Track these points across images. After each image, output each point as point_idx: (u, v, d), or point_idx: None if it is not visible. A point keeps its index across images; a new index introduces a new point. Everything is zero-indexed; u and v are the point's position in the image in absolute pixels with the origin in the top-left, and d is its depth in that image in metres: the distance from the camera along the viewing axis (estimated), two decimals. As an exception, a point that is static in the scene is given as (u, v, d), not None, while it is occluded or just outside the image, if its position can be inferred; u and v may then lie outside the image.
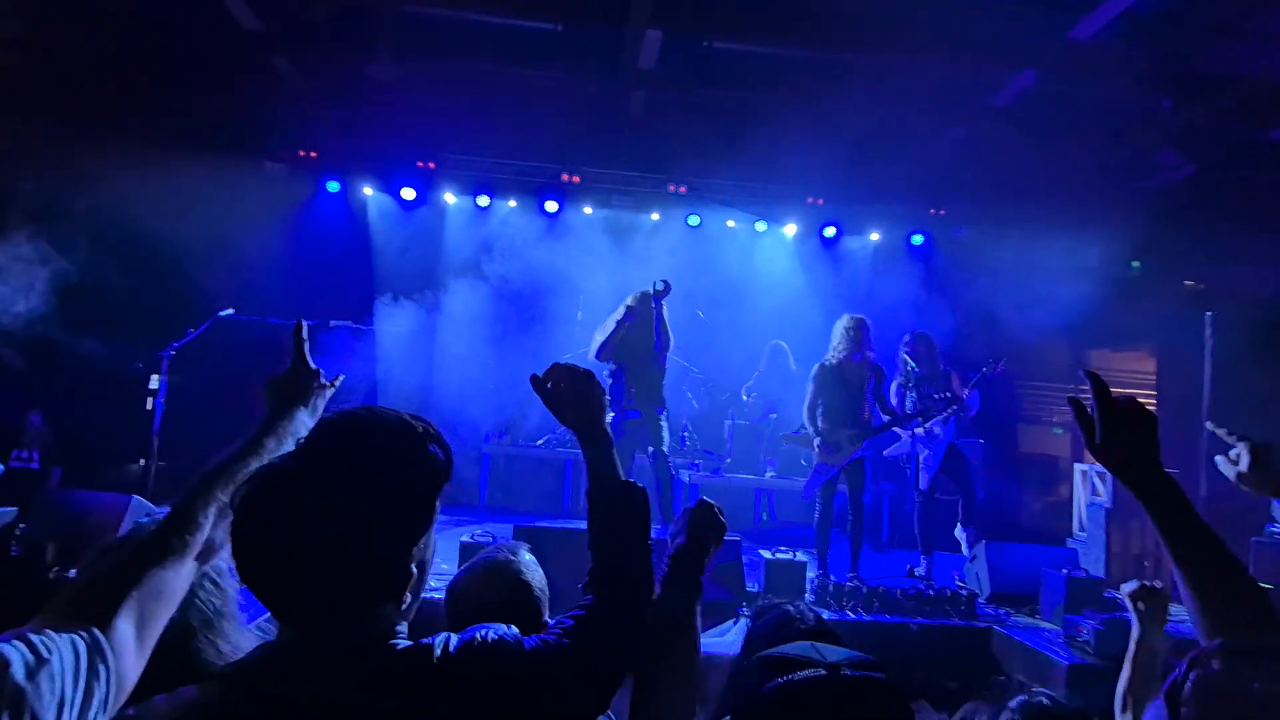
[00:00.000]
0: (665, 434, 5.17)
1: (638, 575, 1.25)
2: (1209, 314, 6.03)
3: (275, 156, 7.61)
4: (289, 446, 1.28)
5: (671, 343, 5.35)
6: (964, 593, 4.54)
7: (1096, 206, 8.43)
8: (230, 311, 5.86)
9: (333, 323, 6.53)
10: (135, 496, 4.55)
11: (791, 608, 1.75)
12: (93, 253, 6.03)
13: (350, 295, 7.09)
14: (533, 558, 1.78)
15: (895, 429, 5.25)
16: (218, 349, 6.15)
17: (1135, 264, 9.42)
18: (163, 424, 5.45)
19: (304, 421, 1.38)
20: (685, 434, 7.69)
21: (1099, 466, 6.04)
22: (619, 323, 5.07)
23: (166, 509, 1.20)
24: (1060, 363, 10.10)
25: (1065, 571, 4.48)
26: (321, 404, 1.45)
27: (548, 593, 1.71)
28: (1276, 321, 6.29)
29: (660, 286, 5.04)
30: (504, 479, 7.38)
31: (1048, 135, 7.94)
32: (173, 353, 5.49)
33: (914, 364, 5.33)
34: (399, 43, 7.02)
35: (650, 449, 5.10)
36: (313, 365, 1.48)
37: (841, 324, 5.12)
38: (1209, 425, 1.54)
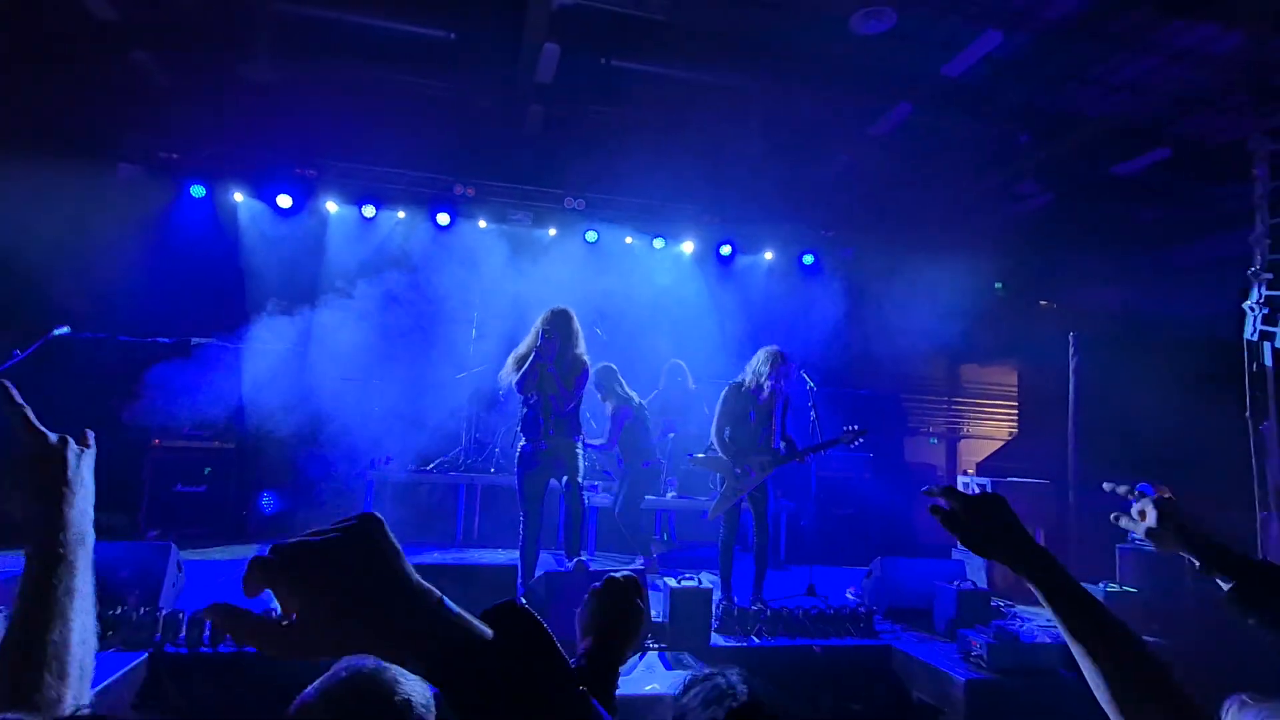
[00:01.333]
0: (580, 463, 4.86)
1: None
2: (1072, 334, 6.53)
3: (131, 158, 6.89)
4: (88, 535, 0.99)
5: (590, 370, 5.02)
6: (862, 610, 4.62)
7: (965, 231, 9.07)
8: (66, 330, 5.16)
9: (195, 340, 5.98)
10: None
11: (723, 680, 1.63)
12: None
13: (218, 309, 6.51)
14: None
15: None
16: (53, 374, 5.43)
17: (998, 285, 10.19)
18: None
19: (86, 488, 1.05)
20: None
21: (980, 477, 6.41)
22: (537, 353, 4.70)
23: None
24: (937, 376, 10.76)
25: (955, 585, 4.66)
26: (89, 467, 1.08)
27: (434, 711, 1.25)
28: (1129, 337, 6.91)
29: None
30: (389, 507, 6.95)
31: (922, 164, 8.46)
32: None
33: (814, 384, 5.43)
34: (276, 42, 6.57)
35: (564, 478, 4.80)
36: (49, 435, 1.07)
37: (765, 353, 5.07)
38: (1106, 486, 1.59)
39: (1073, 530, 6.09)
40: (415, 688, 1.28)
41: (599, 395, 6.36)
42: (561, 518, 5.24)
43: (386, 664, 1.26)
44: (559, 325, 4.82)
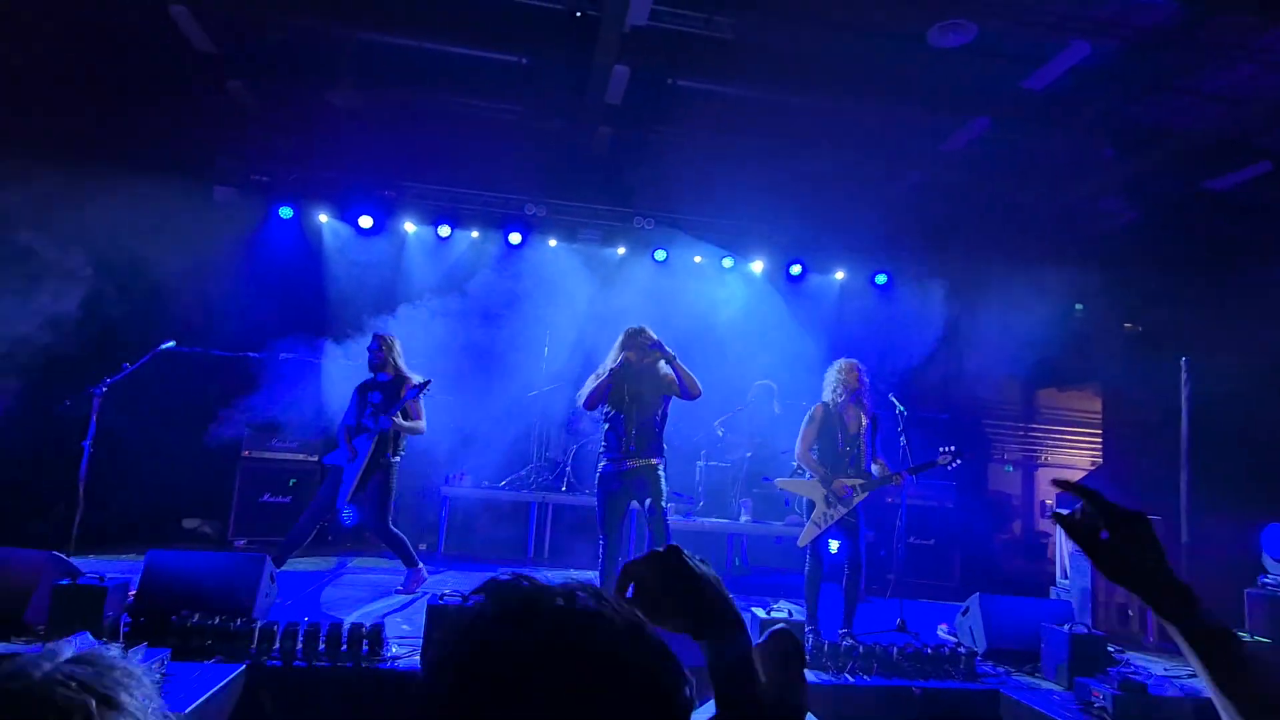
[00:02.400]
0: (664, 485, 4.67)
1: None
2: (1184, 359, 6.14)
3: (226, 181, 7.21)
4: None
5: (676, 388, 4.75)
6: (962, 650, 4.31)
7: (1044, 250, 8.74)
8: (172, 344, 5.42)
9: (283, 355, 6.18)
10: (54, 554, 4.06)
11: None
12: (25, 279, 5.54)
13: (303, 325, 6.71)
14: None
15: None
16: (157, 385, 5.67)
17: (1079, 306, 9.78)
18: (91, 469, 4.93)
19: None
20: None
21: (1065, 508, 6.07)
22: (612, 372, 4.63)
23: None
24: (1012, 401, 10.35)
25: (1067, 628, 4.32)
26: None
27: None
28: (1226, 361, 6.50)
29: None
30: (463, 523, 7.00)
31: (999, 180, 8.22)
32: (104, 389, 5.01)
33: (903, 408, 5.25)
34: (360, 70, 6.82)
35: (647, 501, 4.61)
36: None
37: (839, 367, 4.92)
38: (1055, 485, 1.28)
39: (1185, 571, 5.71)
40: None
41: None
42: (647, 542, 5.08)
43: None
44: (636, 342, 4.71)
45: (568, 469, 7.19)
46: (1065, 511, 1.08)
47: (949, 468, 4.85)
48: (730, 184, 7.78)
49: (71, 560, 4.15)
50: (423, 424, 5.50)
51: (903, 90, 6.86)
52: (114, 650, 0.96)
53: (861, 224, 8.40)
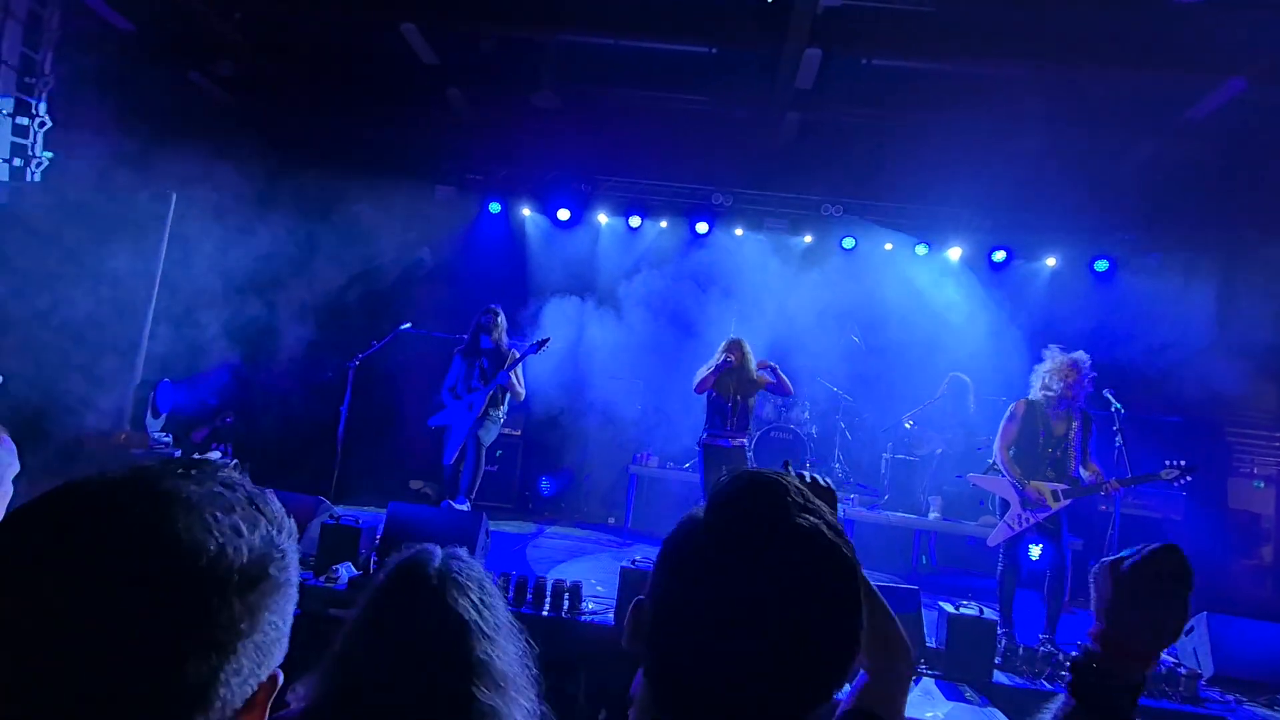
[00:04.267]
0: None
1: None
2: None
3: (446, 181, 8.08)
4: None
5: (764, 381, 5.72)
6: (1182, 671, 3.93)
7: (1315, 231, 7.43)
8: (409, 326, 6.25)
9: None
10: (323, 499, 4.85)
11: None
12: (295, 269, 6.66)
13: (510, 310, 7.38)
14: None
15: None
16: (393, 361, 6.56)
17: (1362, 296, 8.21)
18: (346, 430, 5.83)
19: None
20: (836, 464, 7.37)
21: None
22: (718, 367, 5.56)
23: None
24: (1268, 409, 8.92)
25: (1316, 659, 3.81)
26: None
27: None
28: None
29: None
30: (648, 500, 7.34)
31: (1255, 151, 7.09)
32: (358, 363, 5.88)
33: (1119, 406, 4.75)
34: (559, 72, 7.29)
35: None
36: None
37: (1057, 360, 4.55)
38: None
39: None
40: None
41: None
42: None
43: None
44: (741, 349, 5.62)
45: (749, 455, 7.27)
46: None
47: (1175, 484, 4.33)
48: (927, 167, 7.38)
49: (334, 506, 4.95)
50: (523, 389, 5.97)
51: (1136, 53, 6.14)
52: (464, 552, 1.30)
53: (1078, 205, 7.63)
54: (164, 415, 6.14)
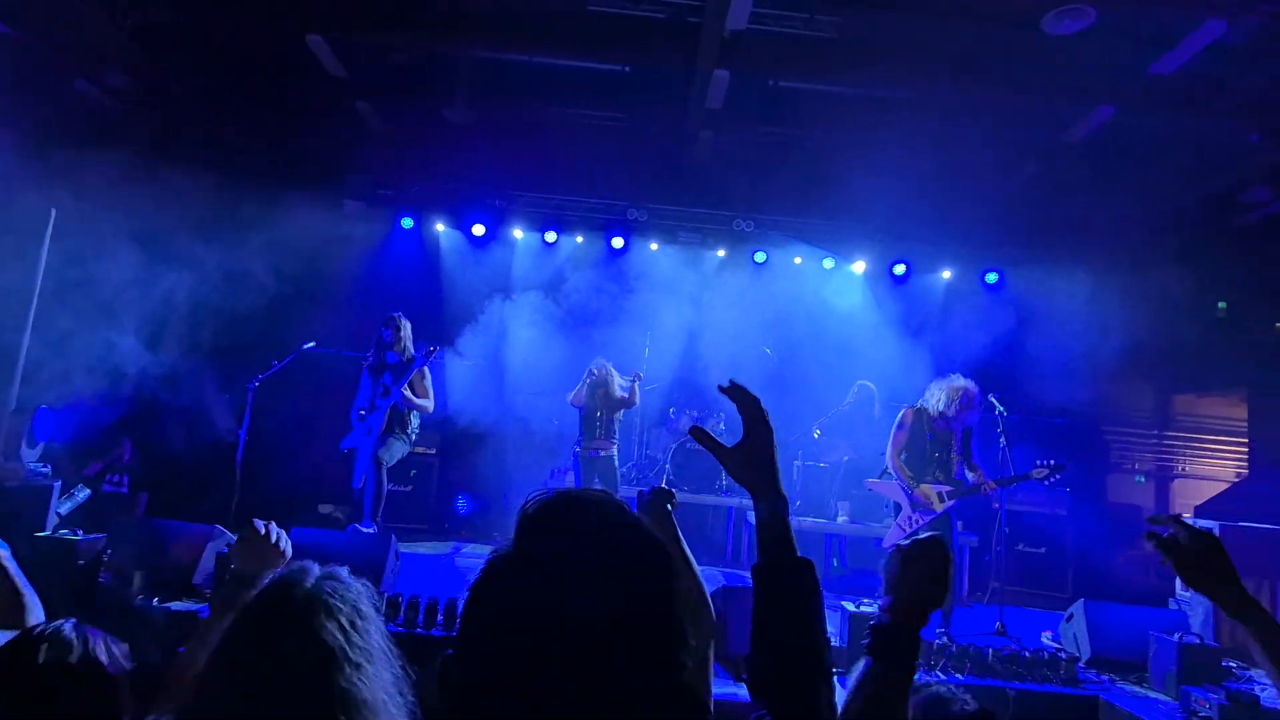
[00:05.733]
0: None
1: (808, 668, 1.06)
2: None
3: (355, 196, 7.90)
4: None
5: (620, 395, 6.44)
6: (1063, 655, 4.21)
7: (1182, 245, 8.12)
8: (313, 345, 6.05)
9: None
10: (217, 526, 4.64)
11: (945, 690, 1.62)
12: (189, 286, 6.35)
13: (424, 327, 7.26)
14: None
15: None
16: (298, 381, 6.33)
17: (1221, 305, 9.01)
18: (245, 454, 5.59)
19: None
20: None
21: (1206, 521, 5.68)
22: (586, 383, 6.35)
23: None
24: (1146, 407, 9.65)
25: (1178, 637, 4.13)
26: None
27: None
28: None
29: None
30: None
31: (1127, 171, 7.70)
32: (257, 385, 5.65)
33: (1003, 409, 5.08)
34: (473, 87, 7.26)
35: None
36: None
37: (950, 387, 4.85)
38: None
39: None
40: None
41: None
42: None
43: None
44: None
45: (667, 466, 7.37)
46: (1161, 533, 1.38)
47: (1045, 483, 4.67)
48: (833, 183, 7.70)
49: (231, 535, 4.73)
50: (430, 402, 5.74)
51: (1018, 80, 6.59)
52: (344, 571, 1.29)
53: (971, 221, 8.11)
54: (41, 445, 5.74)
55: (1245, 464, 9.51)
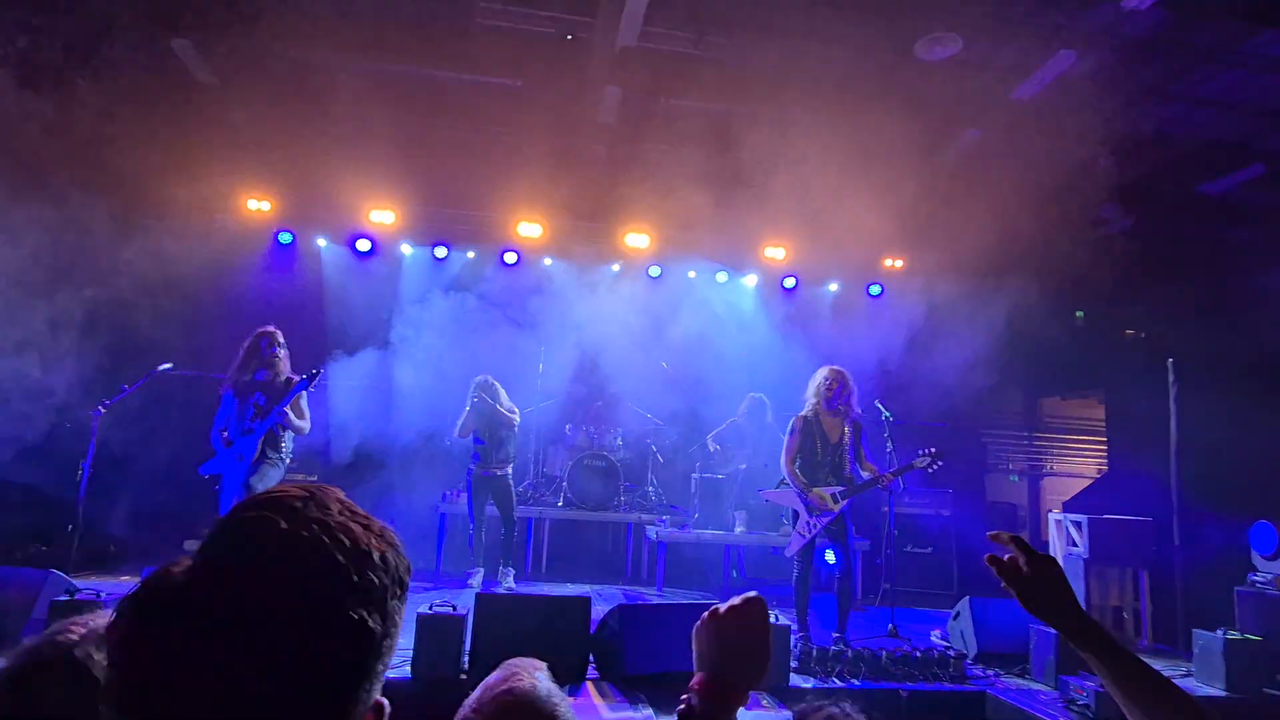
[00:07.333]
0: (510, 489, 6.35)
1: None
2: (1170, 360, 6.13)
3: (229, 208, 7.37)
4: None
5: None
6: (951, 653, 4.36)
7: (1043, 259, 8.72)
8: (169, 366, 5.48)
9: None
10: (53, 572, 4.13)
11: (837, 710, 1.55)
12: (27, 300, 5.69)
13: (304, 348, 6.82)
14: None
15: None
16: (156, 407, 5.77)
17: (1079, 314, 9.75)
18: (90, 491, 5.00)
19: None
20: (650, 488, 7.49)
21: (1074, 515, 6.05)
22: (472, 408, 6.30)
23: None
24: (1016, 411, 10.31)
25: (1055, 628, 4.35)
26: None
27: None
28: (1223, 366, 6.48)
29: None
30: (460, 540, 7.02)
31: (994, 190, 8.22)
32: (102, 412, 5.09)
33: (889, 414, 5.26)
34: (358, 99, 6.95)
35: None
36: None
37: (818, 376, 5.02)
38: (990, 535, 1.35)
39: (1179, 571, 5.64)
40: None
41: None
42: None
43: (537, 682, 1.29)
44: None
45: (564, 484, 7.21)
46: (1001, 555, 1.25)
47: (928, 470, 4.85)
48: (725, 198, 7.85)
49: (71, 580, 4.22)
50: (307, 423, 5.23)
51: (892, 102, 6.93)
52: None
53: (855, 234, 8.44)
54: None
55: (1105, 461, 10.31)
